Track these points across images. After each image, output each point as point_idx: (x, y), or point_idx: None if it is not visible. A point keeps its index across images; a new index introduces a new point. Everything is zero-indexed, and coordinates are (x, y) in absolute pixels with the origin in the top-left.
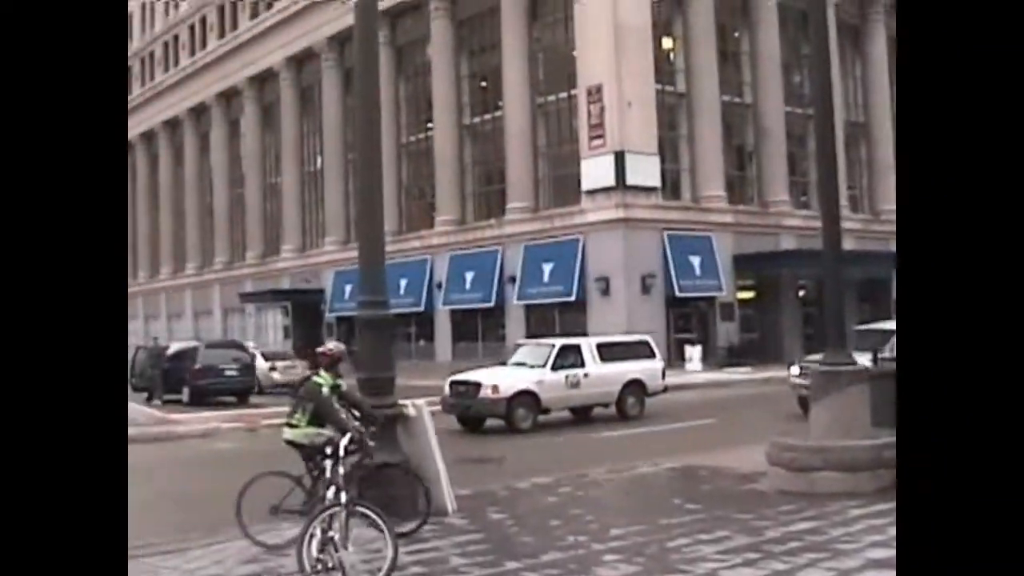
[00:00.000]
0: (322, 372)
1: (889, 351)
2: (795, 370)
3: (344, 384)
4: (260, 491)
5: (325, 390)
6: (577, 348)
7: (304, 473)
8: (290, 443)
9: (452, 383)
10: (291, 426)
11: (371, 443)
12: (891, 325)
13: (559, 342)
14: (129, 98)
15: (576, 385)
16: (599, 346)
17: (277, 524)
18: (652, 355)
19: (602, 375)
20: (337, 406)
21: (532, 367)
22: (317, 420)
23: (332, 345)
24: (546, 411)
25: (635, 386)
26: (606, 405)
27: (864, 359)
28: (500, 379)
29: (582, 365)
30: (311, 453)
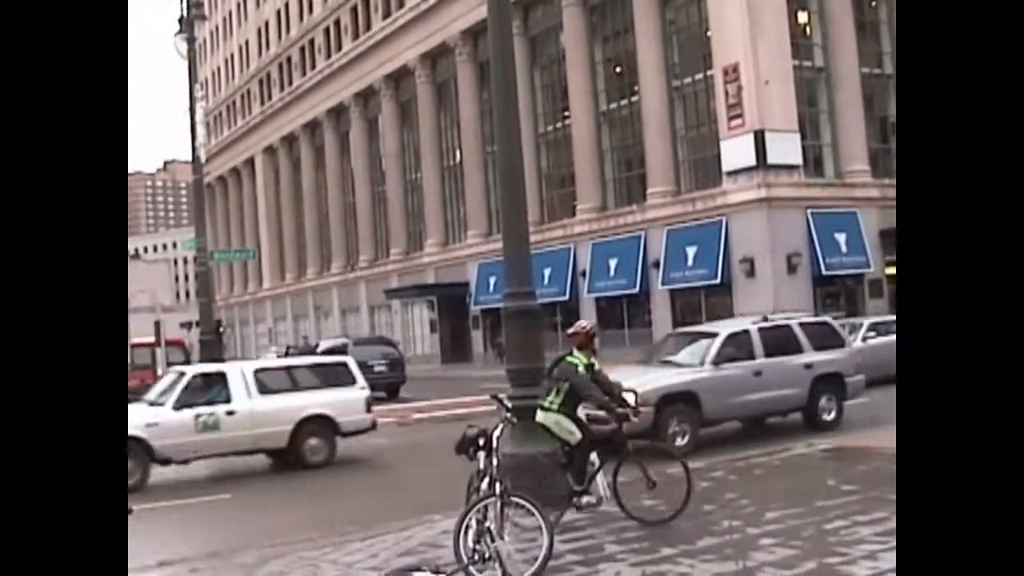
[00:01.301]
0: (575, 351)
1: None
2: None
3: (598, 363)
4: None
5: (581, 369)
6: (222, 377)
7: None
8: (542, 427)
9: None
10: (544, 409)
11: (634, 419)
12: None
13: (191, 369)
14: (269, 103)
15: (214, 428)
16: (259, 372)
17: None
18: (351, 382)
19: (260, 412)
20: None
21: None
22: (571, 400)
23: (584, 323)
24: (166, 462)
25: (318, 424)
26: (273, 451)
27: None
28: None
29: (227, 400)
30: (562, 442)
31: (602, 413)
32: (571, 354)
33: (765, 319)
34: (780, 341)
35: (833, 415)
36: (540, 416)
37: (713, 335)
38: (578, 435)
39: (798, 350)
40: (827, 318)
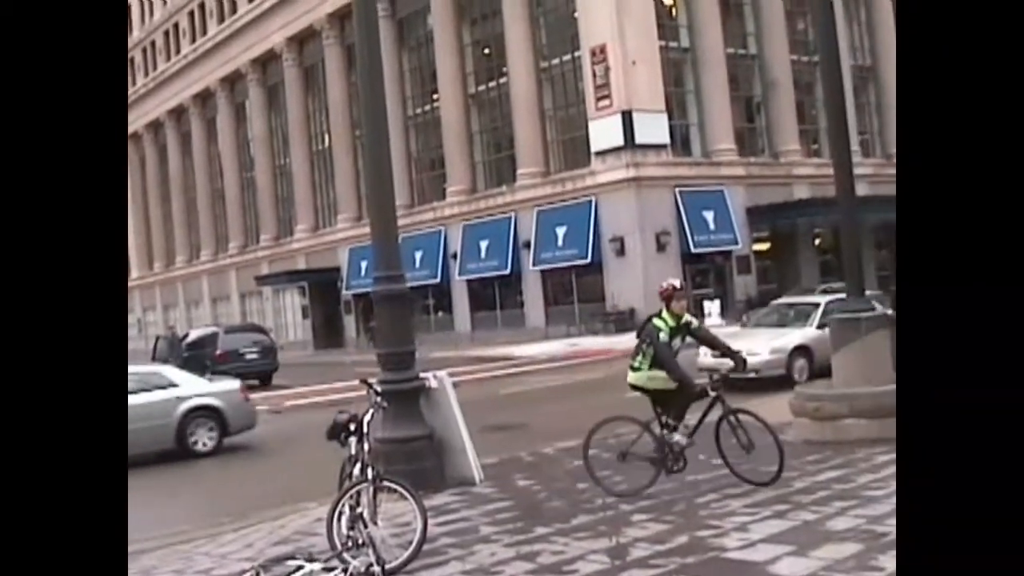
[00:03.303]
0: (663, 313)
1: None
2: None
3: (694, 321)
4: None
5: (663, 335)
6: None
7: (652, 419)
8: (633, 387)
9: None
10: (634, 369)
11: (744, 372)
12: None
13: None
14: (133, 88)
15: None
16: None
17: (626, 470)
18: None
19: None
20: (674, 352)
21: None
22: (658, 362)
23: (667, 282)
24: None
25: None
26: None
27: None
28: None
29: None
30: (656, 398)
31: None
32: (660, 314)
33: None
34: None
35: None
36: (630, 377)
37: (816, 304)
38: (673, 382)
39: None
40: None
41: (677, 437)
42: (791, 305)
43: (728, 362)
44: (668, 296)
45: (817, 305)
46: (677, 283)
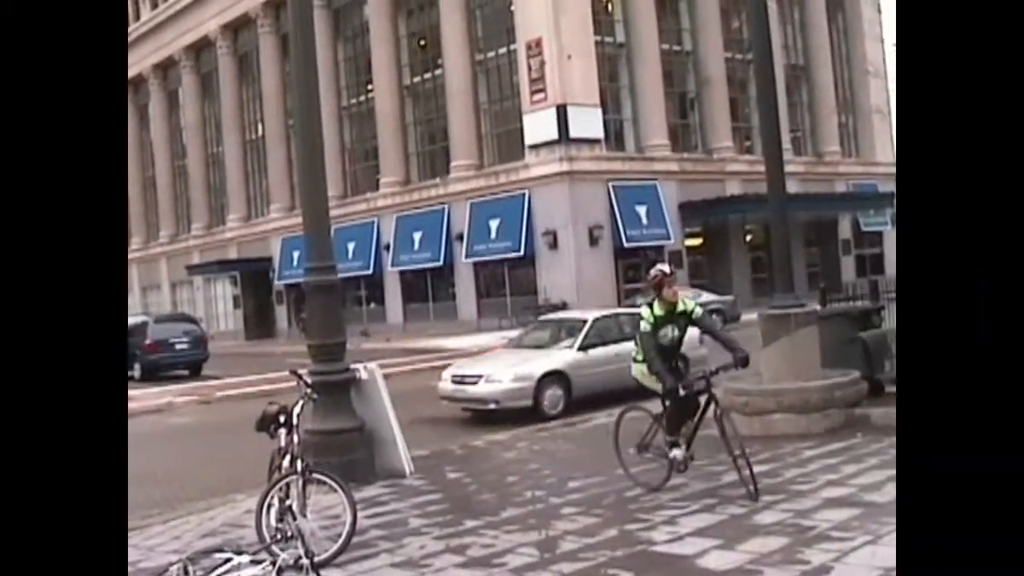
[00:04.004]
0: (655, 301)
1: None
2: None
3: (698, 309)
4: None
5: (644, 325)
6: None
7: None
8: (637, 381)
9: None
10: (636, 361)
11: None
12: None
13: None
14: None
15: None
16: None
17: (645, 461)
18: None
19: None
20: (656, 349)
21: None
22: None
23: (656, 268)
24: None
25: None
26: None
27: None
28: None
29: None
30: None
31: None
32: (651, 303)
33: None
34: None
35: None
36: (633, 370)
37: (584, 321)
38: (659, 386)
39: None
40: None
41: (675, 452)
42: (561, 321)
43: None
44: (659, 283)
45: (585, 322)
46: (667, 268)
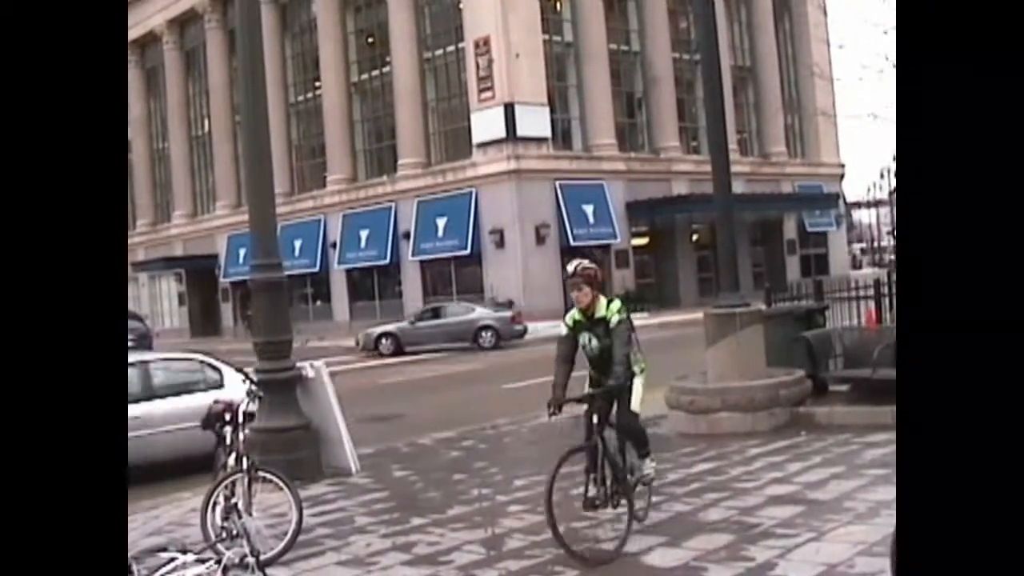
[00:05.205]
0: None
1: None
2: None
3: (616, 317)
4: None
5: (564, 329)
6: None
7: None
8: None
9: None
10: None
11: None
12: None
13: None
14: None
15: None
16: None
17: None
18: None
19: None
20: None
21: None
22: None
23: (575, 263)
24: None
25: None
26: None
27: None
28: None
29: None
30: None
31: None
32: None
33: None
34: None
35: None
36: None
37: None
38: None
39: None
40: None
41: (637, 475)
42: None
43: None
44: (572, 283)
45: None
46: (571, 267)
